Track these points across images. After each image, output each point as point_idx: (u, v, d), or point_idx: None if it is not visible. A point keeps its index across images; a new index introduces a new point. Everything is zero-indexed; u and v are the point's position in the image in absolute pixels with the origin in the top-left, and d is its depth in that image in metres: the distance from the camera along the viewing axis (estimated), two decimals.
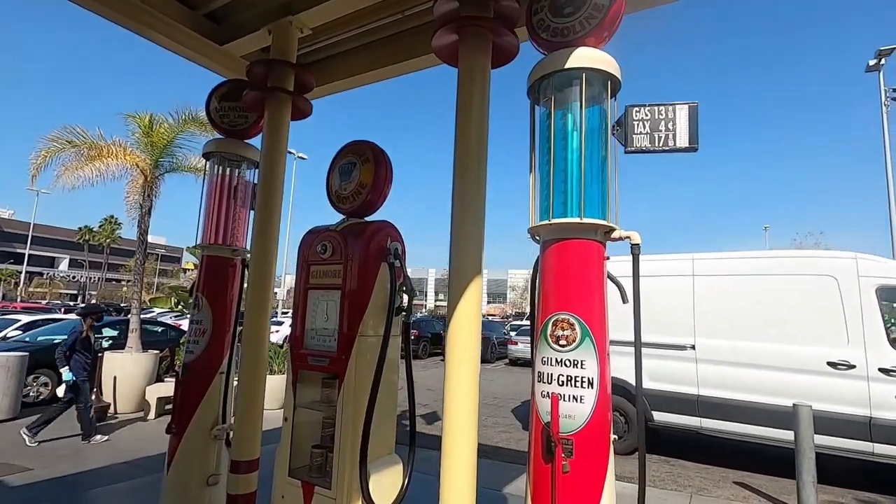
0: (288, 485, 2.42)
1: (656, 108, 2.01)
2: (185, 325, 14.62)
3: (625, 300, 2.01)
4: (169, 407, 7.46)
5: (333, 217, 2.72)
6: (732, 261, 6.39)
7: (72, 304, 38.18)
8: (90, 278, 59.68)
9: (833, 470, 5.55)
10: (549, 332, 1.86)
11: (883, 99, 15.61)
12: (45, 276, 57.53)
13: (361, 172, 2.59)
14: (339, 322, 2.38)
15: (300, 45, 3.23)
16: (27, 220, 51.28)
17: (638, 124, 2.01)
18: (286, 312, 27.34)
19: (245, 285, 3.24)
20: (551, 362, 1.84)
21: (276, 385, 6.88)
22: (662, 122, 1.99)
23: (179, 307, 11.85)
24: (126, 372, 7.84)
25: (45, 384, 8.47)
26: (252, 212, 3.27)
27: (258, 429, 2.89)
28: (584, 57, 1.91)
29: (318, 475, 2.40)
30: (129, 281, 39.27)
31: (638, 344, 1.94)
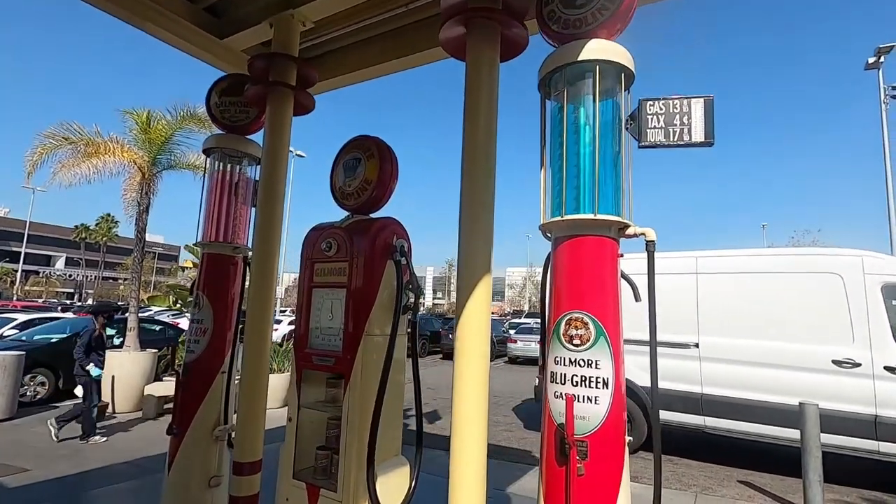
0: (292, 487, 2.37)
1: (671, 101, 1.94)
2: (183, 323, 14.55)
3: (637, 298, 1.97)
4: (168, 406, 7.46)
5: (334, 215, 2.67)
6: (736, 259, 6.34)
7: (68, 302, 37.98)
8: (87, 277, 59.47)
9: (837, 469, 5.53)
10: (562, 331, 1.81)
11: (882, 97, 15.57)
12: (41, 275, 57.24)
13: (366, 168, 2.53)
14: (345, 321, 2.33)
15: (302, 39, 3.18)
16: (23, 217, 51.05)
17: (652, 118, 1.95)
18: (284, 311, 27.27)
19: (246, 283, 3.19)
20: (565, 362, 1.79)
21: (275, 384, 6.85)
22: (677, 116, 1.93)
23: (178, 305, 11.75)
24: (124, 371, 7.78)
25: (42, 384, 8.42)
26: (253, 209, 3.22)
27: (261, 429, 2.85)
28: (597, 49, 1.86)
29: (323, 477, 2.34)
30: (125, 279, 39.15)
31: (653, 343, 1.89)
